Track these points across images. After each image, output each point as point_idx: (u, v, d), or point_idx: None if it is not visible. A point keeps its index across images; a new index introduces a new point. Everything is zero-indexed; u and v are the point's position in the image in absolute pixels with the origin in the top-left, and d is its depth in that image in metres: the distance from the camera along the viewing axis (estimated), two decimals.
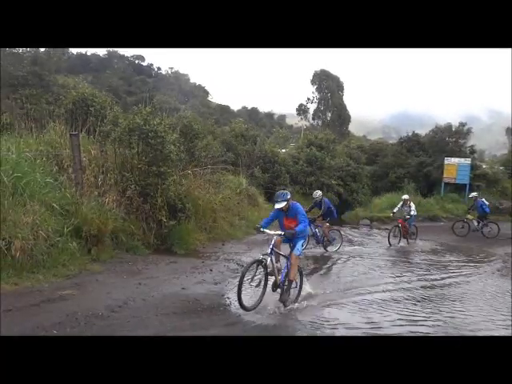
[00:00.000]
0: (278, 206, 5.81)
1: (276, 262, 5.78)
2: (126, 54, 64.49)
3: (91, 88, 13.39)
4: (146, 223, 8.62)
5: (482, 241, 13.81)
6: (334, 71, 55.40)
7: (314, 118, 54.56)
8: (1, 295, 5.02)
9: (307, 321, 5.51)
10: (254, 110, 66.18)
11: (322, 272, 8.79)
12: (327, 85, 53.47)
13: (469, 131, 23.22)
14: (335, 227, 11.67)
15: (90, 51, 60.71)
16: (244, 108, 65.89)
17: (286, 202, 5.76)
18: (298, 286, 6.13)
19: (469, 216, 14.82)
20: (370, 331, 5.24)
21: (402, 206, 12.67)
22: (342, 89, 54.46)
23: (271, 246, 5.66)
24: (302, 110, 54.68)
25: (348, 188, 20.01)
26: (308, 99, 54.25)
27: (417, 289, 7.58)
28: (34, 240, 6.02)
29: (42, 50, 23.91)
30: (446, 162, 21.36)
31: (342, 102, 53.85)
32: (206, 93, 67.14)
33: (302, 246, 6.08)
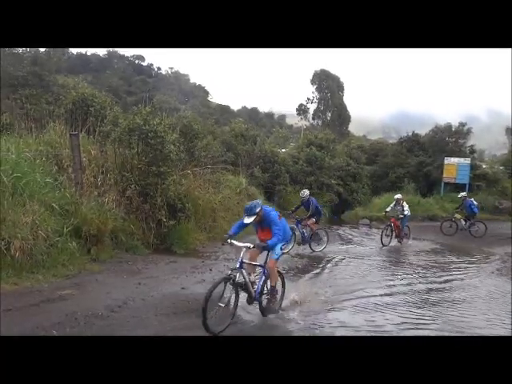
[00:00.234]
0: (246, 221, 5.33)
1: (249, 275, 5.32)
2: (126, 54, 64.44)
3: (91, 88, 13.40)
4: (145, 223, 8.63)
5: (482, 241, 13.80)
6: (334, 71, 55.30)
7: (313, 118, 54.48)
8: (0, 295, 5.02)
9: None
10: (254, 110, 66.07)
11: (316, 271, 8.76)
12: (327, 85, 53.40)
13: (469, 131, 23.26)
14: (320, 227, 11.64)
15: (90, 51, 60.62)
16: (244, 108, 65.78)
17: (254, 217, 5.28)
18: (281, 292, 5.76)
19: (457, 215, 14.93)
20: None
21: (395, 205, 12.62)
22: (342, 89, 54.41)
23: (240, 260, 5.14)
24: (301, 110, 54.58)
25: (348, 188, 20.04)
26: (308, 99, 54.23)
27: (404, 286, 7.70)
28: (33, 240, 6.01)
29: (42, 50, 23.86)
30: (445, 161, 21.38)
31: (342, 101, 53.81)
32: (206, 93, 67.02)
33: (281, 249, 5.59)
